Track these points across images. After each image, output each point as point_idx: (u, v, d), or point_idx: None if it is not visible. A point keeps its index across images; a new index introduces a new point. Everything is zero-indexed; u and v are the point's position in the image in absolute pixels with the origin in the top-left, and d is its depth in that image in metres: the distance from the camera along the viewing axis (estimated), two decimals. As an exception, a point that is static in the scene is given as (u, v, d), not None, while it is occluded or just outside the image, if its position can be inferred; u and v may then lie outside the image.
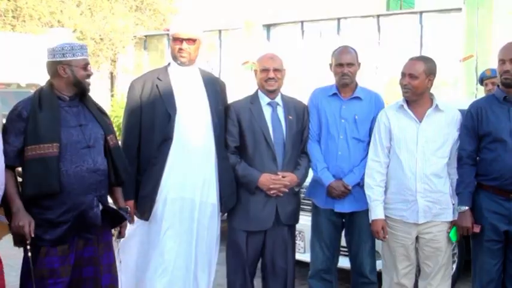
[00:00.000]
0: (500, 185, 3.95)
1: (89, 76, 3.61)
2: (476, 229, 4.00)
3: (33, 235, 3.34)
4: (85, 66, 3.58)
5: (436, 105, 4.12)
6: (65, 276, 3.52)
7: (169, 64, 4.22)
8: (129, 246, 4.12)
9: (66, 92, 3.59)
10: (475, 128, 4.02)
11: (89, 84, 3.62)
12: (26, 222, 3.33)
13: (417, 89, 4.08)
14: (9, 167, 3.40)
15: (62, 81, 3.57)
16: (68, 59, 3.54)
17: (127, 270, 4.14)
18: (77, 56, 3.55)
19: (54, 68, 3.57)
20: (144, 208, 4.03)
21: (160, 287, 4.03)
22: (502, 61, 3.97)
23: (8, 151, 3.39)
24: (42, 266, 3.46)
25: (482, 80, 6.06)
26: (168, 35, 4.13)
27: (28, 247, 3.38)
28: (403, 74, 4.11)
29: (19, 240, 3.45)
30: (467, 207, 4.01)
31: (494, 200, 3.98)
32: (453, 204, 4.09)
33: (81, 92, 3.61)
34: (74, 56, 3.54)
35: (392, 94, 4.25)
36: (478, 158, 4.05)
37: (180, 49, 4.11)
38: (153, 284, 4.03)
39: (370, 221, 4.18)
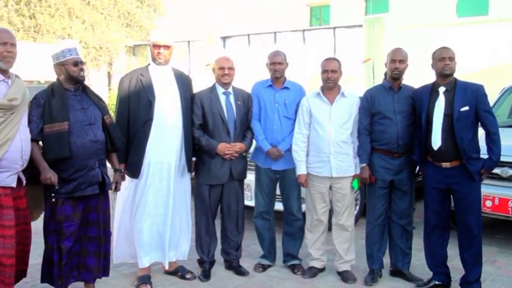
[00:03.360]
0: (387, 148, 4.04)
1: (81, 70, 3.50)
2: (373, 179, 4.10)
3: (57, 185, 3.33)
4: (74, 63, 3.47)
5: (342, 93, 4.18)
6: (76, 220, 3.49)
7: (149, 64, 4.15)
8: (122, 196, 4.08)
9: (68, 84, 3.52)
10: (369, 108, 4.08)
11: (82, 77, 3.52)
12: (52, 175, 3.31)
13: (337, 79, 4.13)
14: (34, 140, 3.34)
15: (62, 77, 3.51)
16: (61, 60, 3.48)
17: (120, 213, 4.12)
18: (67, 57, 3.47)
19: (56, 68, 3.52)
20: (135, 169, 3.98)
21: (146, 226, 4.02)
22: (393, 61, 4.03)
23: (32, 128, 3.34)
24: (60, 213, 3.43)
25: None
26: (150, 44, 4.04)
27: (53, 194, 3.38)
28: (326, 71, 4.11)
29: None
30: (365, 164, 4.10)
31: (383, 158, 4.07)
32: (355, 163, 4.17)
33: (76, 83, 3.53)
34: (65, 57, 3.47)
35: (313, 87, 4.31)
36: (371, 129, 4.09)
37: (159, 53, 4.05)
38: (140, 225, 4.01)
39: (296, 175, 4.23)
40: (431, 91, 3.83)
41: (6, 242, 3.14)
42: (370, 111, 4.07)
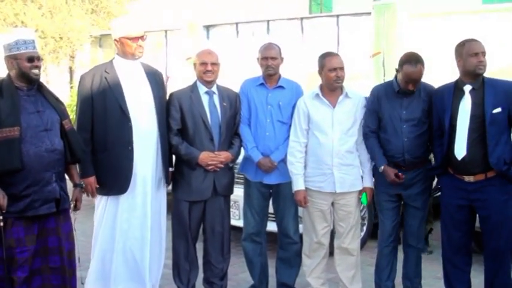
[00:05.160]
0: (393, 160, 4.06)
1: (35, 67, 3.47)
2: (400, 176, 4.00)
3: (5, 209, 3.29)
4: (29, 58, 3.45)
5: (346, 93, 4.20)
6: (30, 244, 3.46)
7: (113, 58, 4.15)
8: (95, 217, 4.10)
9: (19, 82, 3.50)
10: (376, 109, 4.10)
11: (36, 75, 3.49)
12: (0, 196, 3.28)
13: (344, 78, 4.14)
14: None
15: (13, 73, 3.49)
16: (14, 53, 3.46)
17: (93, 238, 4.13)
18: (21, 50, 3.45)
19: (6, 61, 3.50)
20: (110, 186, 4.00)
21: (117, 252, 4.02)
22: (407, 81, 3.95)
23: None
24: (10, 235, 3.40)
25: None
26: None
27: (1, 217, 3.32)
28: (334, 69, 4.07)
29: None
30: (384, 165, 4.06)
31: (388, 168, 4.10)
32: (361, 176, 4.19)
33: (29, 82, 3.51)
34: (18, 50, 3.45)
35: (313, 86, 4.29)
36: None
37: (139, 46, 4.07)
38: (109, 251, 4.02)
39: (293, 192, 4.23)
40: (454, 90, 3.83)
41: None
42: (377, 112, 4.10)
